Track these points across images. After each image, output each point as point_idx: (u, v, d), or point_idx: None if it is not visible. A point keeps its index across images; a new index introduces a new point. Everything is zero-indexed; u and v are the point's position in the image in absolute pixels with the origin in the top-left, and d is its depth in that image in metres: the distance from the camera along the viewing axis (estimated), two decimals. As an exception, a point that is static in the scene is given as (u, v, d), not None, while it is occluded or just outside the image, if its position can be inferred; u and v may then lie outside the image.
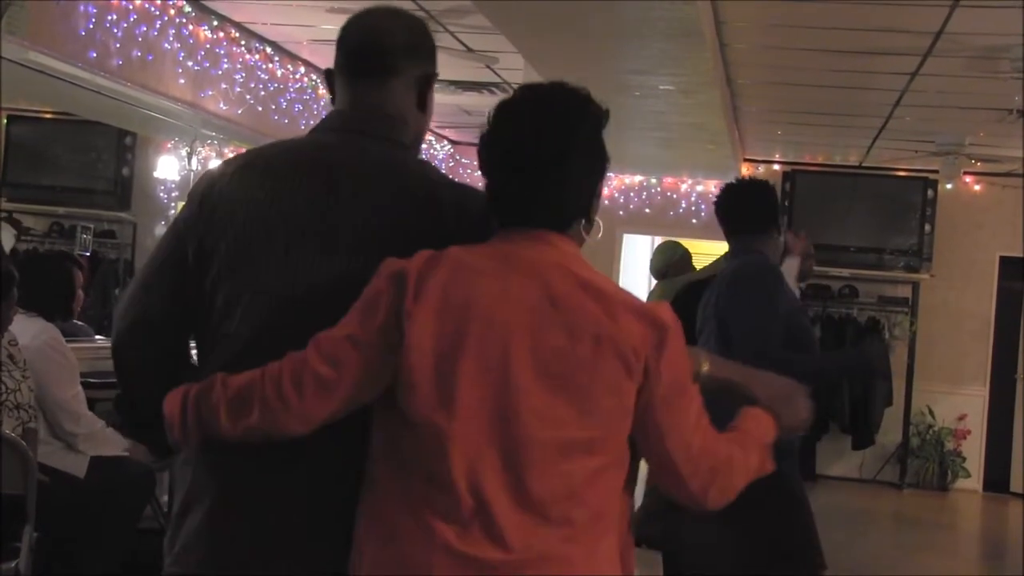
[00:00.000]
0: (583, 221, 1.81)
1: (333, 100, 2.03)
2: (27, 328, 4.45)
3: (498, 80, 7.99)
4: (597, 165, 1.82)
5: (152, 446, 1.89)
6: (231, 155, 7.54)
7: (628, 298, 1.74)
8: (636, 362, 1.68)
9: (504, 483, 1.64)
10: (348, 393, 1.70)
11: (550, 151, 1.75)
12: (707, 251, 8.59)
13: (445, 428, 1.64)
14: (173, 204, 7.72)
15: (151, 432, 2.06)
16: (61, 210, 9.80)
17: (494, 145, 1.79)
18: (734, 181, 4.14)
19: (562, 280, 1.71)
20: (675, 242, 6.55)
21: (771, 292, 3.57)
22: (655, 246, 7.17)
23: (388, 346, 1.68)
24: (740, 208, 3.85)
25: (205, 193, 1.93)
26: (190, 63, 6.42)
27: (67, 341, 4.72)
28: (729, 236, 3.86)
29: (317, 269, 1.83)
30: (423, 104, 2.01)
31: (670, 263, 6.18)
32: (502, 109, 1.80)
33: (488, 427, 1.64)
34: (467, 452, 1.64)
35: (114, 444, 4.70)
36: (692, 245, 9.11)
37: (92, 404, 4.95)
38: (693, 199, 11.06)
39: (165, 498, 5.41)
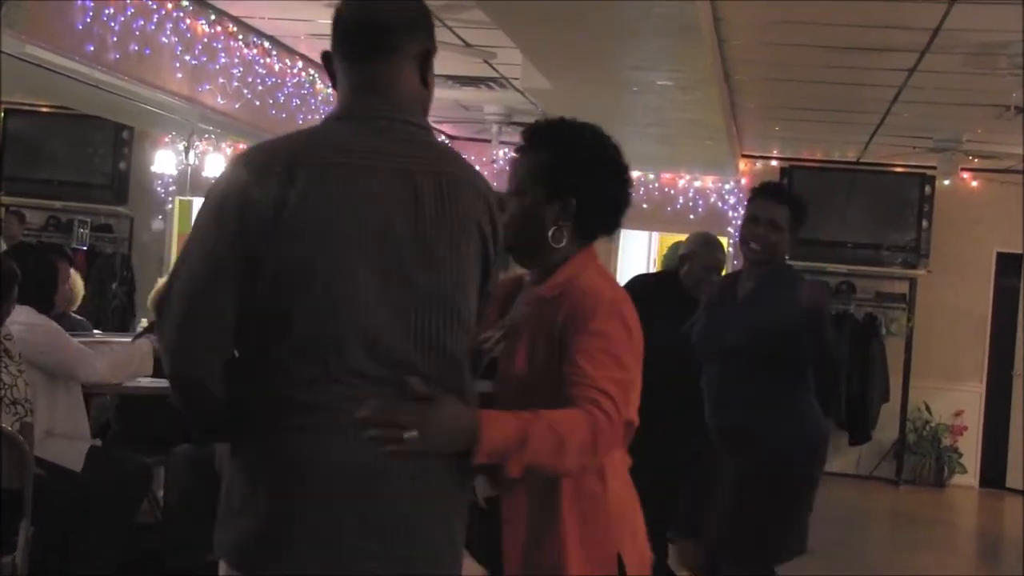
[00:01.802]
0: None
1: (333, 83, 1.97)
2: (12, 318, 4.43)
3: (496, 75, 7.98)
4: None
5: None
6: (228, 149, 7.44)
7: None
8: None
9: None
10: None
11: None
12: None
13: None
14: (170, 199, 7.71)
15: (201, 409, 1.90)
16: (58, 204, 9.77)
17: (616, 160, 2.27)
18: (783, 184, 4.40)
19: None
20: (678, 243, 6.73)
21: None
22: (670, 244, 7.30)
23: None
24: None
25: (274, 197, 1.80)
26: (187, 57, 6.40)
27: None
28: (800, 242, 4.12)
29: (422, 276, 1.84)
30: (426, 80, 1.99)
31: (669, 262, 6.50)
32: (594, 130, 2.28)
33: None
34: None
35: (146, 354, 4.90)
36: (690, 241, 8.92)
37: (88, 399, 4.95)
38: (691, 195, 11.05)
39: (161, 493, 5.42)
